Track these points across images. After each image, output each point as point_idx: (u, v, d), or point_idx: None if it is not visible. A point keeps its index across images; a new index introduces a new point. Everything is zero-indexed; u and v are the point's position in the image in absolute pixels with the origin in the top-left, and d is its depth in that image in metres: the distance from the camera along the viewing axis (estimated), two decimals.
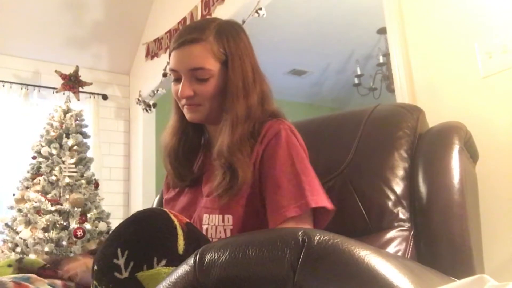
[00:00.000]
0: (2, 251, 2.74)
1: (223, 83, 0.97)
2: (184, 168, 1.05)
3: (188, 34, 0.97)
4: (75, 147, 3.06)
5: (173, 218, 0.70)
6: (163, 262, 0.66)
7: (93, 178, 3.09)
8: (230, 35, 1.00)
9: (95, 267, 0.70)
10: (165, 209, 0.72)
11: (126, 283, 0.66)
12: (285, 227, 0.92)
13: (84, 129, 3.20)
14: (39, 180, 2.89)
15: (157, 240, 0.67)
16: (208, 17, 2.57)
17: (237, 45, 0.99)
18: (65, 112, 3.17)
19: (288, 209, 0.87)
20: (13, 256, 2.65)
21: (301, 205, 0.87)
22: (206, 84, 0.97)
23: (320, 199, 0.89)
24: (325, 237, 0.46)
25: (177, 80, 1.00)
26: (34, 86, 3.66)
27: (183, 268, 0.54)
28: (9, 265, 0.96)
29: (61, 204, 2.83)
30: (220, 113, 0.99)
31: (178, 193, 1.08)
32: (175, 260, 0.66)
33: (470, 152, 1.07)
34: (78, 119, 3.19)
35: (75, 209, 2.83)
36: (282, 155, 0.92)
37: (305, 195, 0.88)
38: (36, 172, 2.97)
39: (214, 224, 0.94)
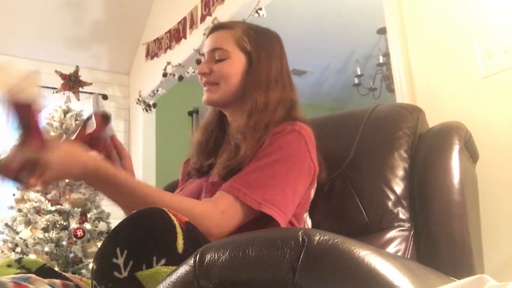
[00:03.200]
0: (2, 251, 2.74)
1: (243, 71, 1.04)
2: (207, 162, 1.10)
3: (221, 23, 1.10)
4: None
5: (172, 217, 0.70)
6: (163, 261, 0.66)
7: None
8: (261, 34, 1.08)
9: (94, 267, 0.70)
10: (164, 208, 0.72)
11: (125, 283, 0.66)
12: (284, 228, 0.92)
13: None
14: None
15: (156, 239, 0.67)
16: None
17: (266, 45, 1.07)
18: (65, 112, 3.17)
19: (228, 185, 0.89)
20: (13, 256, 2.65)
21: (236, 190, 0.87)
22: (223, 63, 1.04)
23: (258, 200, 0.86)
24: (325, 237, 0.47)
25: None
26: None
27: (183, 268, 0.54)
28: (9, 265, 0.96)
29: (61, 204, 2.83)
30: (236, 101, 1.04)
31: (191, 180, 1.12)
32: (174, 259, 0.66)
33: (470, 152, 1.07)
34: (78, 119, 3.19)
35: (75, 209, 2.83)
36: (267, 148, 0.93)
37: (249, 187, 0.87)
38: None
39: None
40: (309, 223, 1.07)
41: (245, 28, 1.08)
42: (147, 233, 0.68)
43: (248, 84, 1.03)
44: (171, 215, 0.70)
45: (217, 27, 1.09)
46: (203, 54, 1.10)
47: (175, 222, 0.69)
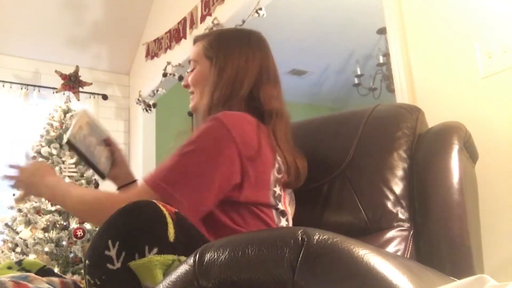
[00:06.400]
0: (2, 251, 2.74)
1: (208, 76, 1.07)
2: None
3: (196, 37, 1.16)
4: None
5: (162, 207, 0.71)
6: (155, 250, 0.66)
7: (93, 178, 3.08)
8: (225, 37, 1.11)
9: (87, 261, 0.70)
10: (153, 200, 0.73)
11: (119, 273, 0.66)
12: (284, 227, 0.92)
13: None
14: None
15: (147, 229, 0.68)
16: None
17: (226, 46, 1.08)
18: (65, 112, 3.17)
19: (149, 176, 0.92)
20: (13, 256, 2.65)
21: (153, 183, 0.89)
22: (192, 73, 1.11)
23: (171, 193, 0.87)
24: (324, 236, 0.47)
25: None
26: (34, 86, 3.65)
27: (183, 268, 0.54)
28: (9, 267, 0.96)
29: None
30: None
31: None
32: (166, 248, 0.67)
33: (470, 152, 1.07)
34: None
35: None
36: (186, 141, 0.94)
37: (163, 180, 0.89)
38: None
39: None
40: (283, 223, 0.99)
41: (214, 36, 1.11)
42: (138, 224, 0.69)
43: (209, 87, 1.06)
44: (160, 205, 0.71)
45: (195, 41, 1.15)
46: None
47: (165, 212, 0.71)
